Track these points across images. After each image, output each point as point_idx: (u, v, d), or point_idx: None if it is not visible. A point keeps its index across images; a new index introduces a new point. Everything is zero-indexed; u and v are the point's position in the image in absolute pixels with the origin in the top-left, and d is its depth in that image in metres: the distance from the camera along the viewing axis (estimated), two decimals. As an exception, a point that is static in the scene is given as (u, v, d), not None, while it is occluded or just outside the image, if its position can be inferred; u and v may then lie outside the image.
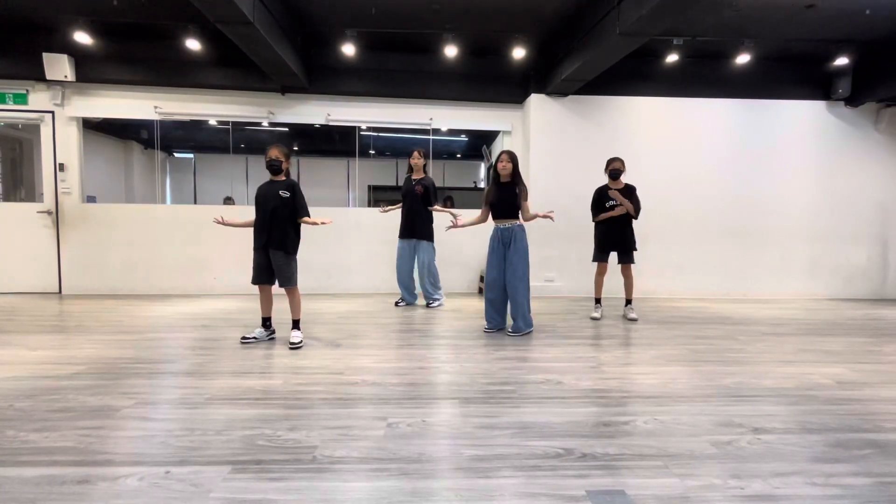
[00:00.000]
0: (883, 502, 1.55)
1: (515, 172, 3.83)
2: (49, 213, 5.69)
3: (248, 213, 3.62)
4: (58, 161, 5.67)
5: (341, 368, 2.88)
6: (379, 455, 1.80)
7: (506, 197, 3.82)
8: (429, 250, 4.99)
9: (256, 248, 3.45)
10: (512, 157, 3.82)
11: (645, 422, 2.15)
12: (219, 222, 3.55)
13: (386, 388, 2.56)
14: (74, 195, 5.71)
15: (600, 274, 4.61)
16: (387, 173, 9.48)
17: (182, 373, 2.79)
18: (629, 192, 4.50)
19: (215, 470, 1.68)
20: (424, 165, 5.02)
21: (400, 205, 5.09)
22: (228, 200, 7.53)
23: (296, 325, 3.50)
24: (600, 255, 4.60)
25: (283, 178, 3.44)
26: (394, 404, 2.33)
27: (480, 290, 6.09)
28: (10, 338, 3.55)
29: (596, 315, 4.55)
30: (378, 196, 8.87)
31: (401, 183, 9.33)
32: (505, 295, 3.89)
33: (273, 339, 3.56)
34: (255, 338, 3.47)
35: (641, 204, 4.51)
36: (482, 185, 8.92)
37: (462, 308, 5.02)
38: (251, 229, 3.52)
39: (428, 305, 5.03)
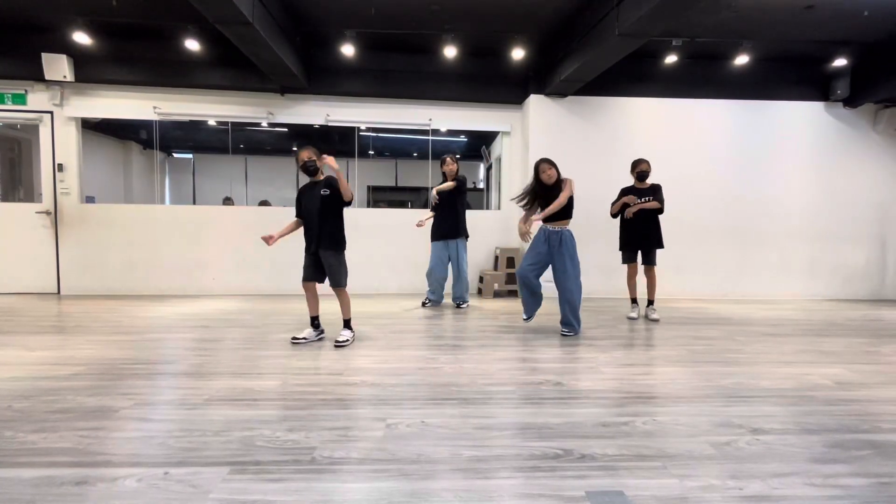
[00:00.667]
0: (881, 503, 1.55)
1: (559, 178, 3.77)
2: (48, 213, 5.69)
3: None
4: (56, 161, 5.67)
5: (340, 369, 2.88)
6: (378, 456, 1.80)
7: (553, 198, 3.72)
8: (465, 248, 4.97)
9: (308, 252, 3.44)
10: (552, 164, 3.78)
11: (644, 422, 2.15)
12: (269, 240, 3.36)
13: (385, 388, 2.56)
14: (73, 195, 5.71)
15: (632, 276, 4.56)
16: (386, 174, 9.48)
17: (181, 373, 2.79)
18: (654, 189, 4.48)
19: (214, 471, 1.68)
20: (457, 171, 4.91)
21: (431, 214, 4.99)
22: (228, 201, 7.52)
23: (346, 324, 3.54)
24: (629, 256, 4.53)
25: (321, 177, 3.42)
26: (393, 405, 2.33)
27: (480, 291, 6.09)
28: (8, 338, 3.55)
29: (633, 315, 4.57)
30: (377, 196, 8.86)
31: (400, 184, 9.40)
32: (536, 283, 3.84)
33: (322, 339, 3.53)
34: (304, 338, 3.45)
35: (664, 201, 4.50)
36: (481, 185, 8.91)
37: (461, 309, 5.01)
38: (297, 230, 3.53)
39: (458, 306, 5.04)
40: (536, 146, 5.92)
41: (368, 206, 8.45)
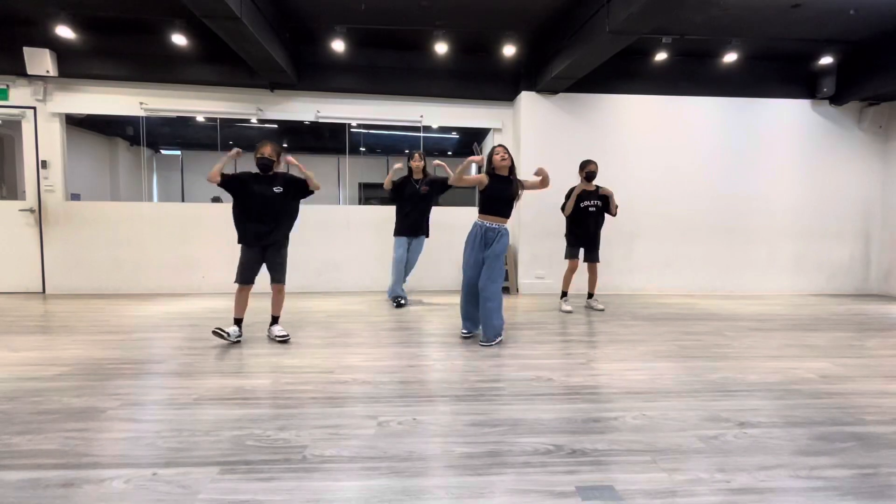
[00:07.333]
0: (864, 493, 1.58)
1: (513, 168, 3.55)
2: (32, 211, 5.58)
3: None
4: (40, 158, 5.56)
5: (331, 367, 2.87)
6: (369, 454, 1.80)
7: (504, 190, 3.44)
8: (422, 244, 5.07)
9: (251, 245, 3.41)
10: (509, 151, 3.54)
11: (633, 417, 2.17)
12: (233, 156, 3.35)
13: (376, 386, 2.55)
14: (58, 192, 5.61)
15: (573, 271, 4.86)
16: (377, 171, 9.43)
17: (169, 373, 2.76)
18: (605, 198, 4.79)
19: (203, 471, 1.67)
20: (424, 167, 4.99)
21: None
22: (216, 200, 7.44)
23: (276, 320, 3.57)
24: (573, 252, 4.87)
25: (272, 173, 3.41)
26: (384, 403, 2.33)
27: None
28: (-9, 338, 3.49)
29: (568, 308, 4.76)
30: (368, 193, 8.82)
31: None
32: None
33: (240, 341, 3.41)
34: (228, 334, 3.32)
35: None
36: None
37: (453, 305, 5.02)
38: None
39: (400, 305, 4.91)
40: (527, 143, 5.93)
41: (360, 203, 8.41)
